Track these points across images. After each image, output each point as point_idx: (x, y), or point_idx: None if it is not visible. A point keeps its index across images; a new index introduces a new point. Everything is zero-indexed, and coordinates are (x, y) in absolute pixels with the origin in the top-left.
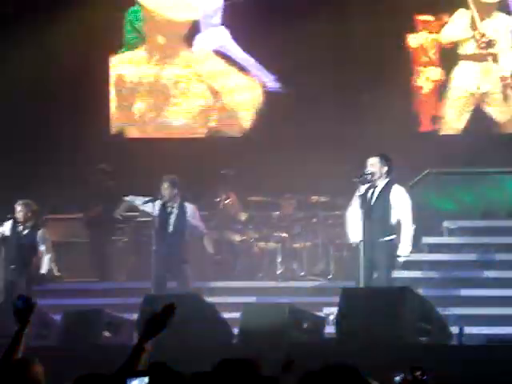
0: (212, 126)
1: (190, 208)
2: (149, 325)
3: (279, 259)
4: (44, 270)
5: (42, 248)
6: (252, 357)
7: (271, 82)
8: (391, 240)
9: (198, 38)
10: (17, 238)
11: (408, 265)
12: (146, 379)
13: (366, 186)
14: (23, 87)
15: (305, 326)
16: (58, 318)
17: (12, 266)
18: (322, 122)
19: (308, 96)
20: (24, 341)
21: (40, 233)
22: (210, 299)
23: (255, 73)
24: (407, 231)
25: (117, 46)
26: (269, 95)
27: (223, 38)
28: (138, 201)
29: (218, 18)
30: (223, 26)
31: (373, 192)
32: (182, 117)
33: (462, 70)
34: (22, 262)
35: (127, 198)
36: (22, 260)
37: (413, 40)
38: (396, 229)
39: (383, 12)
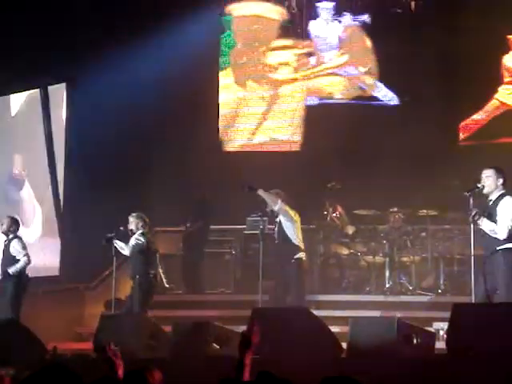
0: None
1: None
2: (242, 343)
3: (387, 273)
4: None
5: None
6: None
7: (384, 96)
8: (507, 249)
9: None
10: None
11: None
12: None
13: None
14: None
15: (415, 340)
16: (167, 329)
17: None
18: (431, 135)
19: (416, 108)
20: None
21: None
22: (317, 312)
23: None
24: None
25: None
26: (377, 108)
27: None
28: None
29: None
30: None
31: (487, 205)
32: (281, 132)
33: None
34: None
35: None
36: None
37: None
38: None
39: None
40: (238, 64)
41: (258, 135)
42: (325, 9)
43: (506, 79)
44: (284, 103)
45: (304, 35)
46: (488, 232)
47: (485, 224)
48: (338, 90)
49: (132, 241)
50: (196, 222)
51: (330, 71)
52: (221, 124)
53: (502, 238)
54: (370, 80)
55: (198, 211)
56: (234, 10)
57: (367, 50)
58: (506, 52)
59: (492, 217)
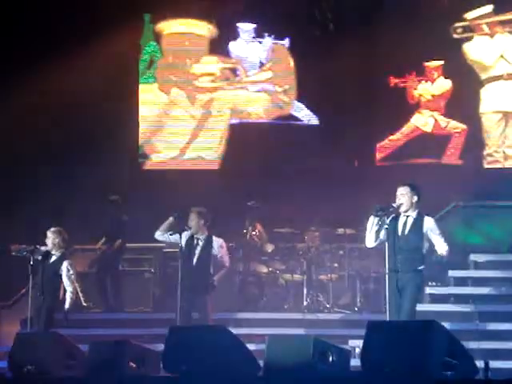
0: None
1: (216, 241)
2: None
3: (305, 291)
4: (67, 303)
5: (66, 279)
6: None
7: (304, 116)
8: (420, 271)
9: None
10: (43, 266)
11: (434, 298)
12: None
13: (392, 217)
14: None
15: (330, 358)
16: (84, 347)
17: (38, 294)
18: (346, 155)
19: (335, 128)
20: None
21: (66, 263)
22: (235, 330)
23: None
24: (443, 247)
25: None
26: (296, 128)
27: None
28: (166, 232)
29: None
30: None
31: (405, 222)
32: (200, 151)
33: None
34: (47, 291)
35: (157, 233)
36: (47, 288)
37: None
38: (426, 259)
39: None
40: (163, 76)
41: (187, 153)
42: (245, 30)
43: (422, 104)
44: (211, 123)
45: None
46: (411, 246)
47: (412, 236)
48: (259, 105)
49: (69, 270)
50: (114, 241)
51: (251, 85)
52: (141, 139)
53: (444, 253)
54: (286, 99)
55: (114, 230)
56: (163, 28)
57: (289, 70)
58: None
59: (417, 233)
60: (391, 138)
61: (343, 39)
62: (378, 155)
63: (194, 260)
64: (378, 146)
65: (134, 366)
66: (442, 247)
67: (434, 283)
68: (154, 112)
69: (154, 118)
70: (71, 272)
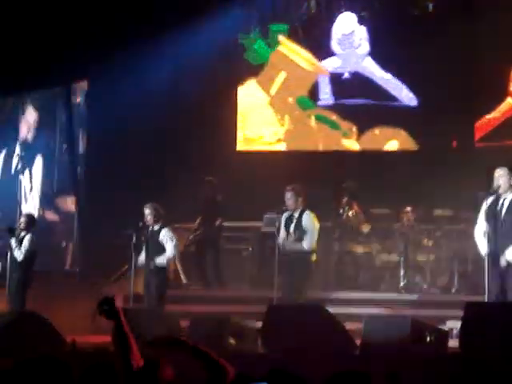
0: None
1: (308, 216)
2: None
3: (402, 271)
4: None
5: (168, 242)
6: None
7: (406, 96)
8: None
9: (332, 60)
10: (146, 239)
11: None
12: None
13: (491, 198)
14: (157, 100)
15: (428, 339)
16: (185, 324)
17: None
18: (447, 135)
19: (433, 109)
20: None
21: (165, 231)
22: (331, 309)
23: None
24: None
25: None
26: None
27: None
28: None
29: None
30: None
31: (502, 204)
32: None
33: None
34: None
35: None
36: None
37: None
38: None
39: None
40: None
41: (282, 135)
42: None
43: None
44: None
45: None
46: None
47: None
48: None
49: (169, 232)
50: (211, 221)
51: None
52: (239, 123)
53: None
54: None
55: (210, 210)
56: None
57: None
58: None
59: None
60: (488, 116)
61: (443, 18)
62: (477, 135)
63: (290, 237)
64: (476, 125)
65: (234, 341)
66: None
67: None
68: (256, 96)
69: (254, 101)
70: (171, 234)
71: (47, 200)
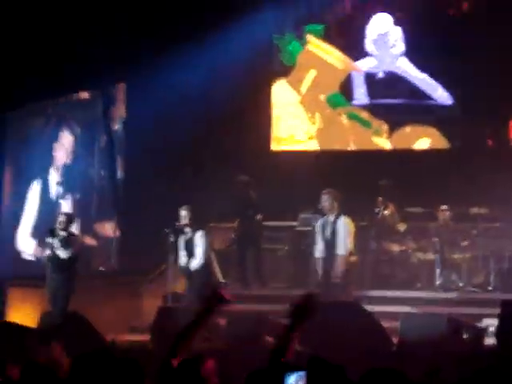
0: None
1: (343, 221)
2: (294, 315)
3: (438, 270)
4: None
5: (198, 252)
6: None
7: (441, 95)
8: None
9: (367, 61)
10: (184, 241)
11: None
12: (303, 374)
13: None
14: (194, 106)
15: (464, 336)
16: (222, 321)
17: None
18: (480, 135)
19: (472, 109)
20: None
21: (198, 234)
22: (368, 308)
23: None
24: None
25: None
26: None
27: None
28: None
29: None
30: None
31: None
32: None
33: None
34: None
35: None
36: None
37: None
38: None
39: None
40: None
41: (316, 135)
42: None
43: None
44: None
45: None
46: None
47: None
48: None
49: (202, 237)
50: (249, 219)
51: None
52: (274, 124)
53: None
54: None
55: (248, 208)
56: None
57: None
58: None
59: None
60: None
61: (477, 22)
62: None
63: (326, 239)
64: (511, 124)
65: (271, 340)
66: None
67: None
68: (287, 96)
69: (286, 100)
70: (203, 239)
71: (86, 225)
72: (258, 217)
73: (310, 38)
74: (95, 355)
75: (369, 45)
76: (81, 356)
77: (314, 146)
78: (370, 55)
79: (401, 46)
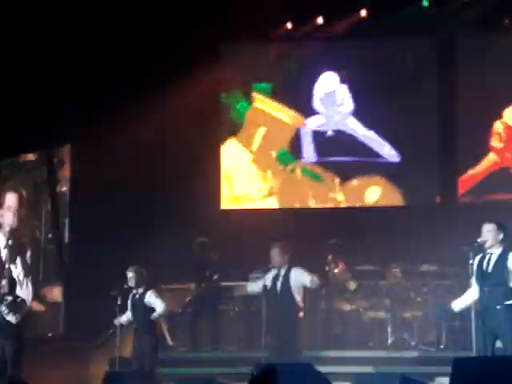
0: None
1: (295, 271)
2: None
3: (390, 328)
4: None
5: (158, 304)
6: None
7: (389, 153)
8: (510, 305)
9: (315, 119)
10: (132, 304)
11: None
12: None
13: (479, 255)
14: (138, 161)
15: None
16: None
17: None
18: (428, 192)
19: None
20: None
21: (149, 294)
22: (321, 368)
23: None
24: None
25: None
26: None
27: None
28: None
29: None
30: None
31: (488, 260)
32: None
33: None
34: (145, 329)
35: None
36: (143, 326)
37: None
38: None
39: None
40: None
41: (265, 192)
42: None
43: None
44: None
45: None
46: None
47: None
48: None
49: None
50: (205, 281)
51: None
52: (224, 182)
53: None
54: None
55: (205, 269)
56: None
57: None
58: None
59: (502, 269)
60: (471, 172)
61: (420, 77)
62: (461, 190)
63: (277, 295)
64: (460, 180)
65: None
66: None
67: None
68: (238, 154)
69: (237, 159)
70: (156, 294)
71: (34, 290)
72: (215, 277)
73: (257, 96)
74: None
75: (317, 103)
76: None
77: (268, 203)
78: (319, 113)
79: (348, 105)
